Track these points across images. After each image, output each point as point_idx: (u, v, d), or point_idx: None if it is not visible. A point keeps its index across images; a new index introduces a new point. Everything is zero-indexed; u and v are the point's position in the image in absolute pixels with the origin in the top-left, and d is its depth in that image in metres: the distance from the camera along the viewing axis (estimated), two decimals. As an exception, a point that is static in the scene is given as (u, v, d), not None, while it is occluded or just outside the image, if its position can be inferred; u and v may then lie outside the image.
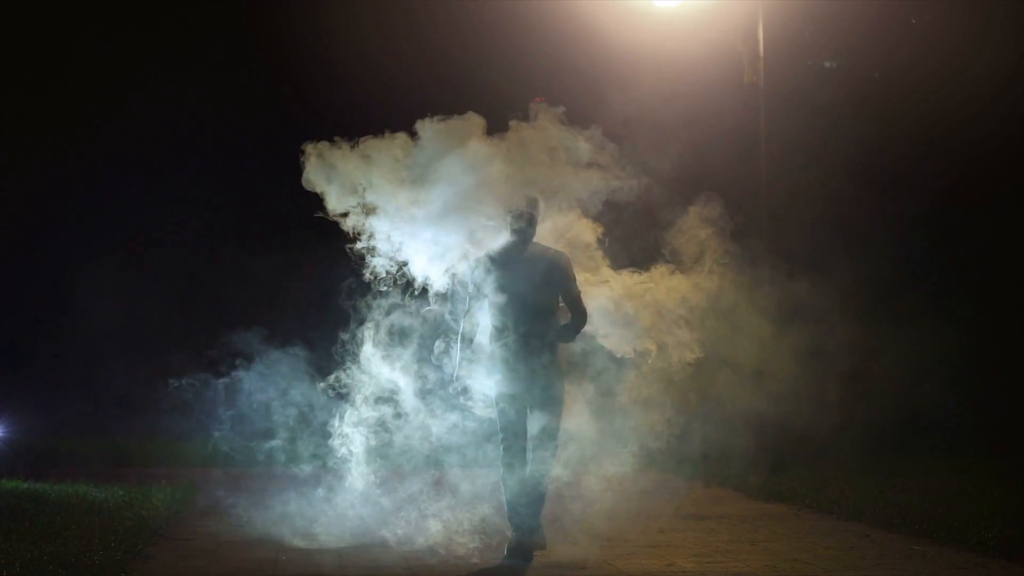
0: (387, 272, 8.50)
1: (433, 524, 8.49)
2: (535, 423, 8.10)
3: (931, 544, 8.50)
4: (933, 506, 9.70)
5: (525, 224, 8.16)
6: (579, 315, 8.17)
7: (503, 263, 8.14)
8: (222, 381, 9.18)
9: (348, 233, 8.49)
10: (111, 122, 19.18)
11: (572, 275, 8.21)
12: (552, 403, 8.12)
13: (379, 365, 8.54)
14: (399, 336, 8.60)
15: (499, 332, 8.11)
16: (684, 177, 9.02)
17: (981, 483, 11.21)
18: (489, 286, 8.11)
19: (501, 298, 8.06)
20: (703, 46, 15.34)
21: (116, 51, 19.21)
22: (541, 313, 8.09)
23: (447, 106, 8.48)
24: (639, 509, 9.71)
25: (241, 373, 9.14)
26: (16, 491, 10.67)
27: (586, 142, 8.41)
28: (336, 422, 8.62)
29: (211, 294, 18.04)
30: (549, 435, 8.08)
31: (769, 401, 11.02)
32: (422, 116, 8.39)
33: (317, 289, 9.13)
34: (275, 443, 9.29)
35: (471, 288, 8.19)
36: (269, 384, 9.18)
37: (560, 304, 8.19)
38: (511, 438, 8.09)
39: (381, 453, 8.69)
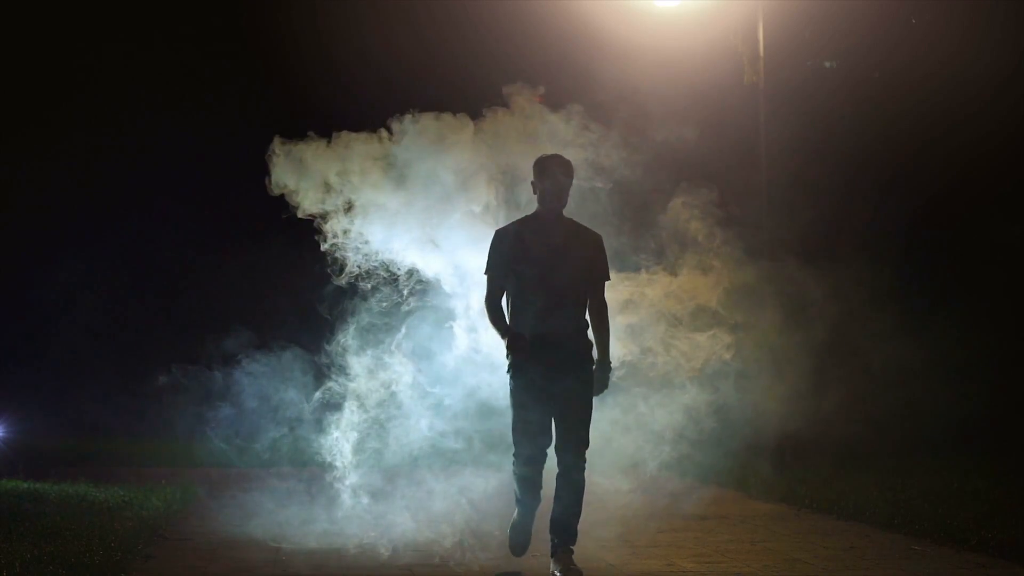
0: (362, 270, 8.43)
1: (433, 527, 8.50)
2: (562, 427, 7.28)
3: (931, 544, 8.49)
4: (933, 506, 9.70)
5: (556, 189, 7.30)
6: (603, 308, 7.39)
7: (530, 236, 7.32)
8: (216, 375, 9.18)
9: (326, 234, 8.40)
10: (99, 128, 19.17)
11: (605, 259, 7.46)
12: (584, 402, 7.29)
13: (371, 365, 8.52)
14: (386, 335, 8.57)
15: (522, 314, 7.26)
16: (683, 177, 9.02)
17: (981, 483, 11.20)
18: (512, 261, 7.27)
19: (525, 274, 7.24)
20: (703, 46, 15.35)
21: (88, 53, 19.20)
22: (570, 295, 7.27)
23: (444, 106, 8.44)
24: (639, 509, 9.72)
25: (236, 372, 9.15)
26: (16, 491, 10.67)
27: (567, 121, 8.29)
28: (332, 423, 8.62)
29: (208, 295, 18.05)
30: (578, 443, 7.25)
31: (770, 400, 11.02)
32: (414, 113, 8.32)
33: (309, 289, 9.06)
34: (273, 444, 9.29)
35: (493, 264, 7.33)
36: (264, 384, 9.18)
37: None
38: (528, 441, 7.23)
39: (379, 454, 8.70)
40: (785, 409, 11.33)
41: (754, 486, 11.64)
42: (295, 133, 8.40)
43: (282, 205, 8.45)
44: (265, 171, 8.36)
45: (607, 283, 7.51)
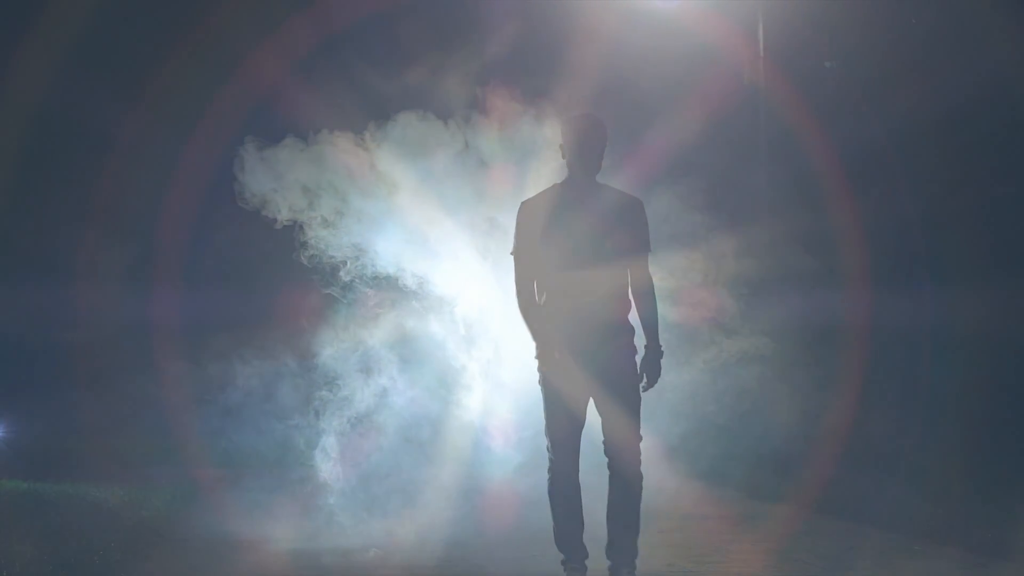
0: (350, 276, 8.38)
1: (431, 527, 8.51)
2: (609, 424, 6.52)
3: (931, 544, 8.49)
4: (933, 506, 9.70)
5: (587, 151, 6.48)
6: (647, 285, 6.56)
7: (560, 206, 6.48)
8: (213, 375, 9.19)
9: (308, 241, 8.30)
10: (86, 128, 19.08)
11: (647, 228, 6.61)
12: (629, 394, 6.51)
13: (361, 368, 8.51)
14: (375, 339, 8.55)
15: (553, 296, 6.47)
16: (682, 177, 9.02)
17: (982, 483, 11.19)
18: (541, 235, 6.45)
19: (556, 250, 6.44)
20: (703, 46, 15.36)
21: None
22: (609, 272, 6.45)
23: (433, 103, 8.38)
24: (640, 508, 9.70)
25: (233, 373, 9.15)
26: (16, 491, 10.68)
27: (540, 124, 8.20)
28: (328, 425, 8.63)
29: (205, 296, 18.02)
30: (629, 440, 6.51)
31: (772, 400, 11.00)
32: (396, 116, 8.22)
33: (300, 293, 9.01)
34: (270, 445, 9.30)
35: (520, 241, 6.53)
36: (259, 386, 9.18)
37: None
38: (563, 441, 6.53)
39: (375, 456, 8.71)
40: (788, 409, 11.32)
41: (755, 486, 11.64)
42: (267, 134, 8.24)
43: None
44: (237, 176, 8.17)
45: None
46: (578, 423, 6.57)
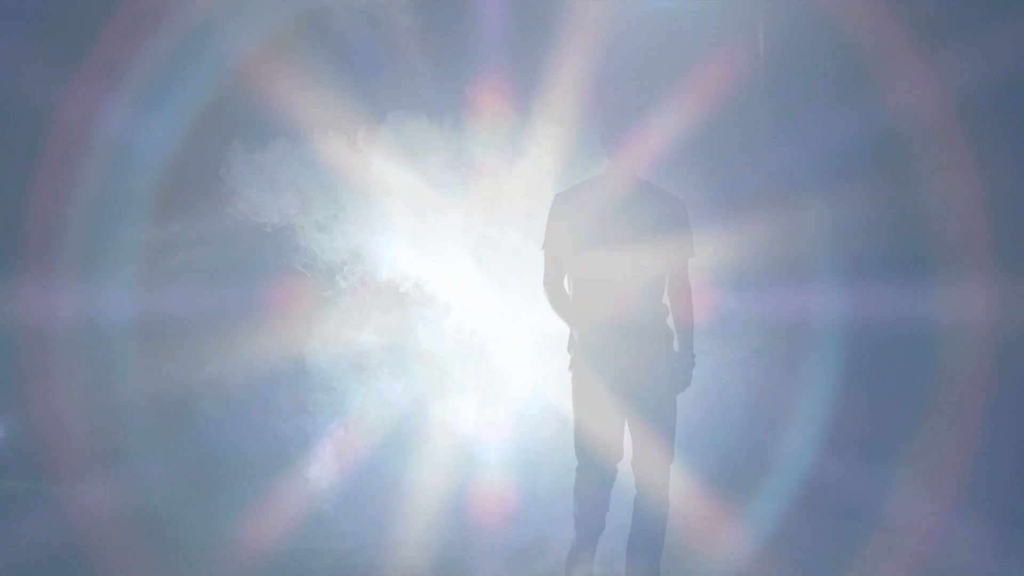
0: (344, 282, 8.36)
1: (434, 529, 8.52)
2: (640, 436, 6.16)
3: (931, 544, 8.48)
4: (934, 506, 9.68)
5: (634, 145, 6.06)
6: (685, 290, 6.20)
7: (597, 200, 6.08)
8: (208, 373, 9.20)
9: (300, 244, 8.27)
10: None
11: (690, 231, 6.20)
12: (667, 404, 6.17)
13: (356, 369, 8.50)
14: (369, 342, 8.53)
15: (587, 297, 6.08)
16: (682, 177, 9.01)
17: (983, 482, 11.17)
18: (575, 231, 6.06)
19: (591, 248, 6.03)
20: (703, 46, 15.33)
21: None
22: (647, 273, 6.09)
23: (424, 101, 8.34)
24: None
25: (228, 370, 9.15)
26: (16, 491, 10.67)
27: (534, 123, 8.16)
28: (330, 426, 8.63)
29: (203, 295, 17.98)
30: (659, 455, 6.16)
31: (775, 398, 10.98)
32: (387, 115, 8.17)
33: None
34: (271, 445, 9.31)
35: (552, 235, 6.14)
36: (259, 385, 9.18)
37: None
38: (595, 453, 6.13)
39: (377, 458, 8.72)
40: (791, 407, 11.30)
41: (753, 485, 11.62)
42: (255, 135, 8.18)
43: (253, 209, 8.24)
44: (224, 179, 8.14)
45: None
46: (618, 440, 6.16)
